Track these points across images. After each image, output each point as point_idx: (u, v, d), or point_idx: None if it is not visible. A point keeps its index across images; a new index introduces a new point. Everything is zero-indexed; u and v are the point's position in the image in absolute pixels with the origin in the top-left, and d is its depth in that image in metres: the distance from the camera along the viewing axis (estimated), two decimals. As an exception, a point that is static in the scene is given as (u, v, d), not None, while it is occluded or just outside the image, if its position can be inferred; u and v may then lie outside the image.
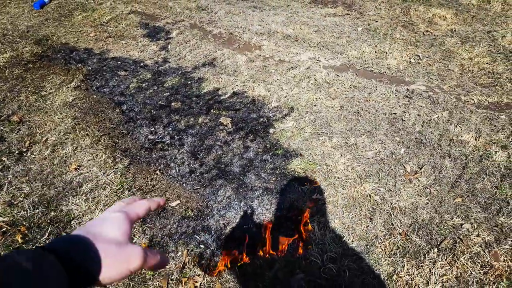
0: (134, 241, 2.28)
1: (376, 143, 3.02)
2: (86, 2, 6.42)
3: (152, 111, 3.55)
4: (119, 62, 4.47)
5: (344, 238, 2.31)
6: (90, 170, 2.82)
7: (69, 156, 2.97)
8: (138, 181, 2.73)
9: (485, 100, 3.42)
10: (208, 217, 2.46)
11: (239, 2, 6.20)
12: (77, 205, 2.53)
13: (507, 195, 2.49)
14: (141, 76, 4.15)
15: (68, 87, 3.93)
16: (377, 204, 2.50)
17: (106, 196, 2.59)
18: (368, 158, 2.88)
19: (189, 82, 4.03)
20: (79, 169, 2.84)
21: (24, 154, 3.01)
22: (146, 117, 3.46)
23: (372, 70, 4.05)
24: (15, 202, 2.56)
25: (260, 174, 2.79)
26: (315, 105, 3.52)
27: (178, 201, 2.58)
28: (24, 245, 2.24)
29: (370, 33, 4.86)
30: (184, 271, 2.10)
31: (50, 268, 0.45)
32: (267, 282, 2.05)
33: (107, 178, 2.74)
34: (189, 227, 2.39)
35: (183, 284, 2.03)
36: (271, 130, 3.23)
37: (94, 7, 6.21)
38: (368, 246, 2.26)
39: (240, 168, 2.87)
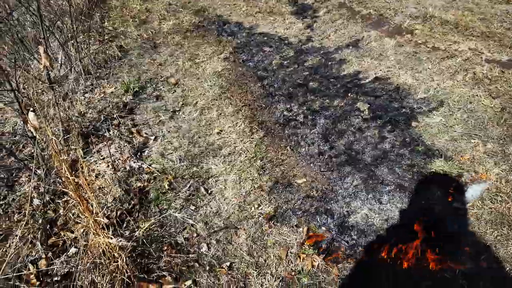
0: (260, 207, 2.43)
1: (544, 157, 2.51)
2: (242, -22, 6.81)
3: (290, 88, 3.63)
4: (265, 38, 4.67)
5: (483, 257, 2.02)
6: (230, 136, 3.08)
7: (213, 120, 3.29)
8: (270, 153, 2.87)
9: None
10: (332, 202, 2.44)
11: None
12: (216, 165, 2.80)
13: None
14: (284, 53, 4.27)
15: (219, 58, 4.30)
16: (536, 229, 2.11)
17: (241, 162, 2.80)
18: (531, 173, 2.42)
19: (330, 63, 3.98)
20: (220, 133, 3.13)
21: (177, 113, 3.44)
22: (284, 93, 3.56)
23: (554, 69, 3.33)
24: (166, 154, 2.96)
25: (394, 169, 2.62)
26: (470, 102, 3.08)
27: (304, 179, 2.62)
28: (169, 191, 2.59)
29: (558, 24, 3.98)
30: (303, 247, 2.16)
31: None
32: (387, 282, 1.96)
33: (244, 146, 2.95)
34: (312, 206, 2.42)
35: (301, 260, 2.09)
36: (413, 123, 2.97)
37: (248, -17, 6.56)
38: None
39: (372, 159, 2.74)
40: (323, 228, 2.28)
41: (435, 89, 3.28)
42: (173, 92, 3.75)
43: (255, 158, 2.83)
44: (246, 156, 2.85)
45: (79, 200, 1.82)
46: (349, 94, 3.43)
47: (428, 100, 3.18)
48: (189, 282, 1.98)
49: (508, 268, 1.96)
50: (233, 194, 2.54)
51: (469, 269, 1.97)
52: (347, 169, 2.67)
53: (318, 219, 2.34)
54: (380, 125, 3.01)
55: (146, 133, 3.17)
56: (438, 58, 3.69)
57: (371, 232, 2.23)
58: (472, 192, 2.37)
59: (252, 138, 3.03)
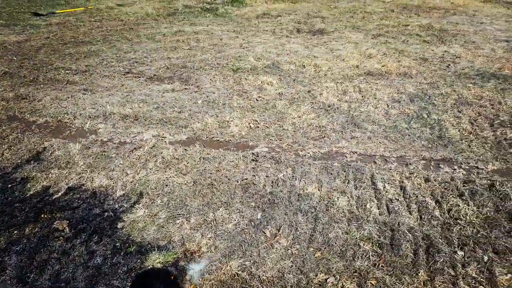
0: None
1: (234, 213, 2.96)
2: None
3: (-47, 234, 2.71)
4: None
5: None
6: None
7: None
8: None
9: (318, 151, 3.84)
10: None
11: (67, 86, 5.71)
12: None
13: (356, 238, 2.71)
14: None
15: None
16: (246, 282, 2.37)
17: None
18: (230, 232, 2.78)
19: (9, 186, 3.32)
20: None
21: None
22: None
23: (218, 140, 4.14)
24: None
25: (112, 283, 2.35)
26: (166, 185, 3.31)
27: None
28: None
29: (210, 104, 5.05)
30: None
31: None
32: None
33: None
34: None
35: None
36: (119, 225, 2.84)
37: None
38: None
39: (86, 281, 2.37)
40: None
41: (131, 182, 3.33)
42: None
43: None
44: None
45: None
46: (42, 215, 2.93)
47: (128, 196, 3.17)
48: None
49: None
50: None
51: None
52: (58, 310, 2.17)
53: None
54: (86, 239, 2.69)
55: None
56: (127, 152, 3.82)
57: None
58: (193, 273, 2.44)
59: None
